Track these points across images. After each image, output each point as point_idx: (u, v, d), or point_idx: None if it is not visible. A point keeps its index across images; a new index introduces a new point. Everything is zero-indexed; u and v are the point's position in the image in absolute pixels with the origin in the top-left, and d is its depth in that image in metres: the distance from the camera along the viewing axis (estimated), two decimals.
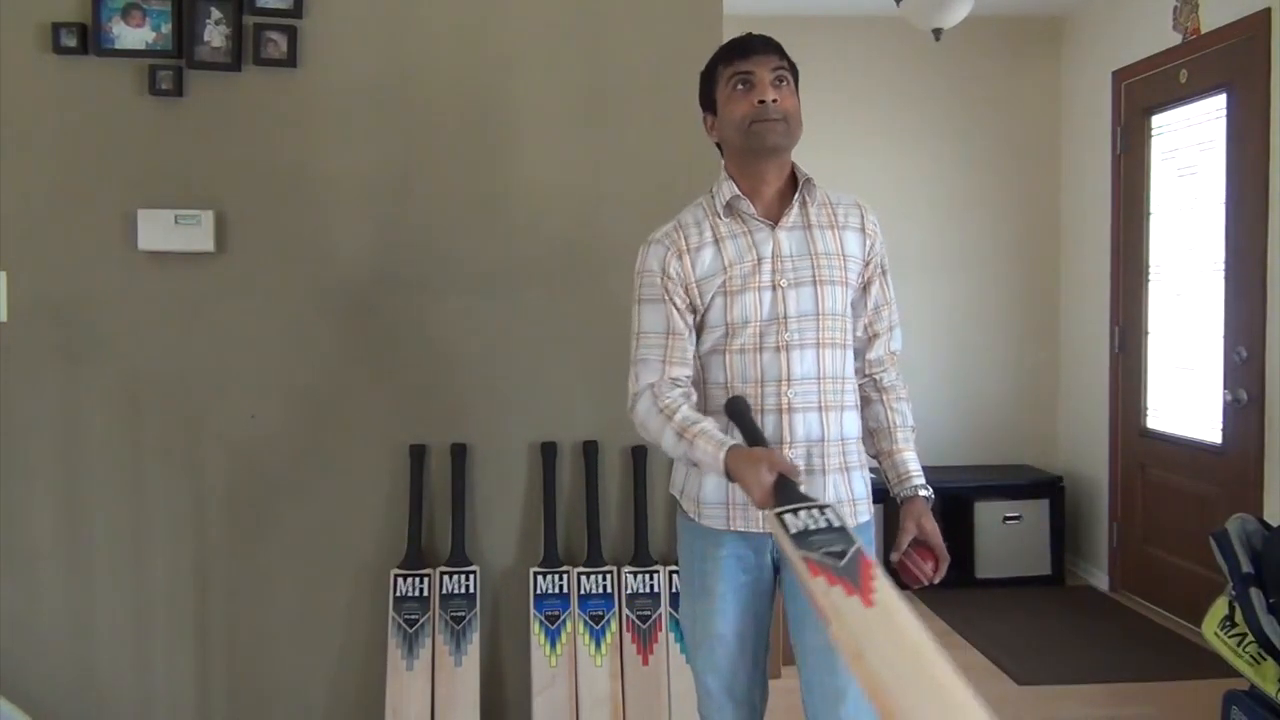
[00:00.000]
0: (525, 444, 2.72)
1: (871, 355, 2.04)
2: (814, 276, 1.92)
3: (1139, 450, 4.60)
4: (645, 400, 1.91)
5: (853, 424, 1.97)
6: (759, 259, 1.91)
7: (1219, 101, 4.06)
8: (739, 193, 1.94)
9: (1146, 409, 4.56)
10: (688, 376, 1.94)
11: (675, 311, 1.92)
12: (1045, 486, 4.91)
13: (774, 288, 1.91)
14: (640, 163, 2.71)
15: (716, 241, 1.93)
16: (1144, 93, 4.53)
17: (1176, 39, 4.25)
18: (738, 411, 1.86)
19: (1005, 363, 5.22)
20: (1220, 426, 4.03)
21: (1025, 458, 5.22)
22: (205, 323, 2.66)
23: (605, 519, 2.72)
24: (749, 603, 1.96)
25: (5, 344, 2.61)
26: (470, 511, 2.71)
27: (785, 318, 1.90)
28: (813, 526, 1.56)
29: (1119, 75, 4.68)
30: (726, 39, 2.65)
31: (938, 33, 4.09)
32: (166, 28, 2.58)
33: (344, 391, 2.69)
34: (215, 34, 2.59)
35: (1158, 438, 4.48)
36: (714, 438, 1.81)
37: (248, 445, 2.68)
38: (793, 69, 1.96)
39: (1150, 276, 4.54)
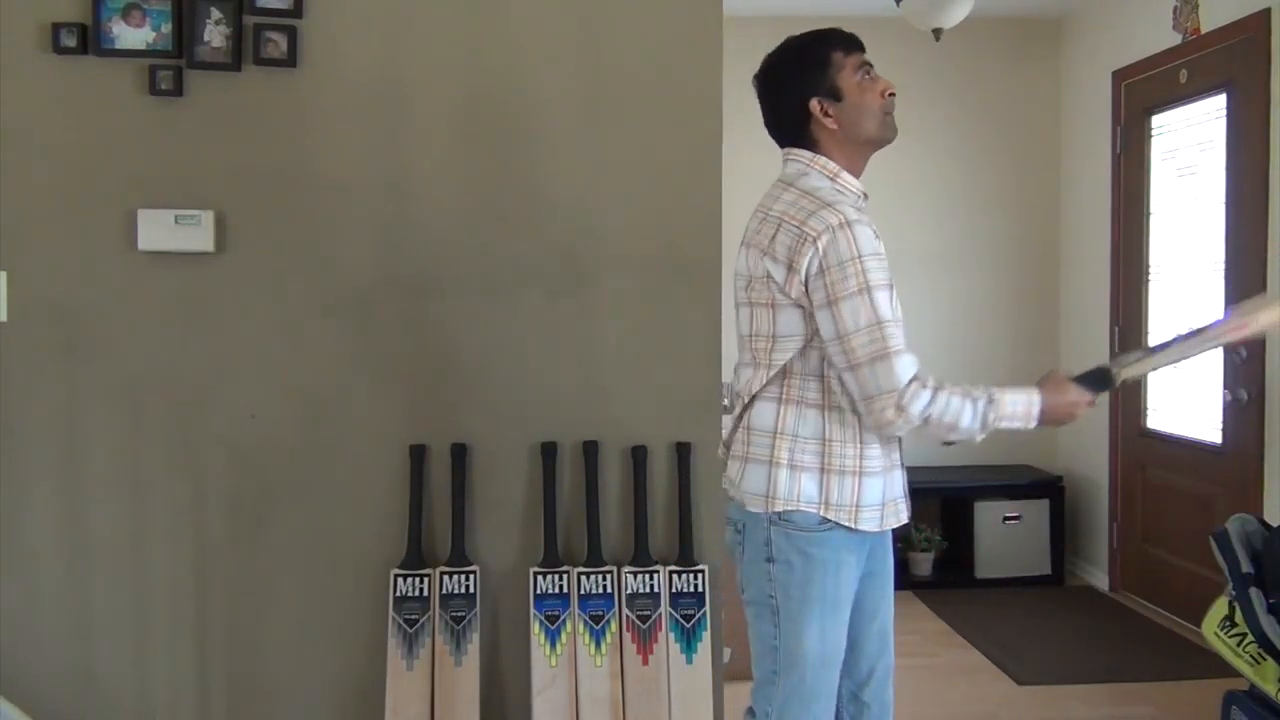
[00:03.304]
0: (525, 444, 2.72)
1: None
2: None
3: (1139, 450, 4.60)
4: (923, 393, 1.80)
5: None
6: None
7: (1219, 101, 4.06)
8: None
9: (1146, 409, 4.56)
10: None
11: (897, 298, 1.87)
12: (1045, 486, 4.92)
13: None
14: (640, 163, 2.70)
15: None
16: (1144, 93, 4.53)
17: (1176, 39, 4.25)
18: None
19: (1005, 362, 5.22)
20: (1220, 426, 4.03)
21: (1025, 458, 5.23)
22: (205, 323, 2.66)
23: (605, 519, 2.72)
24: None
25: (5, 344, 2.61)
26: (470, 511, 2.71)
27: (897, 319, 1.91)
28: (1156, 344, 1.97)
29: (1119, 75, 4.68)
30: (727, 39, 2.68)
31: (938, 33, 4.09)
32: (166, 28, 2.58)
33: (344, 391, 2.69)
34: (215, 34, 2.58)
35: (1158, 437, 4.48)
36: (1016, 389, 1.84)
37: (248, 445, 2.67)
38: None
39: (1150, 276, 4.55)
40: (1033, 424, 1.83)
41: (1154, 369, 1.98)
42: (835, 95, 1.91)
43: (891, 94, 1.93)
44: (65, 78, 2.59)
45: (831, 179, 1.92)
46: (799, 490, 1.88)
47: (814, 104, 1.92)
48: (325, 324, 2.68)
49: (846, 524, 1.88)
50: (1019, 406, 1.81)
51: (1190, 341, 1.94)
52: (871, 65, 1.95)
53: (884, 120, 1.93)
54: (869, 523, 1.90)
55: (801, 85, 1.93)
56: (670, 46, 2.70)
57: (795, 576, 1.89)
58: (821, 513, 1.87)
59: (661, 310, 2.71)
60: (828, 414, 1.88)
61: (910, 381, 1.79)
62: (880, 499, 1.92)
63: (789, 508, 1.88)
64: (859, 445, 1.88)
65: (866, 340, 1.78)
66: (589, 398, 2.71)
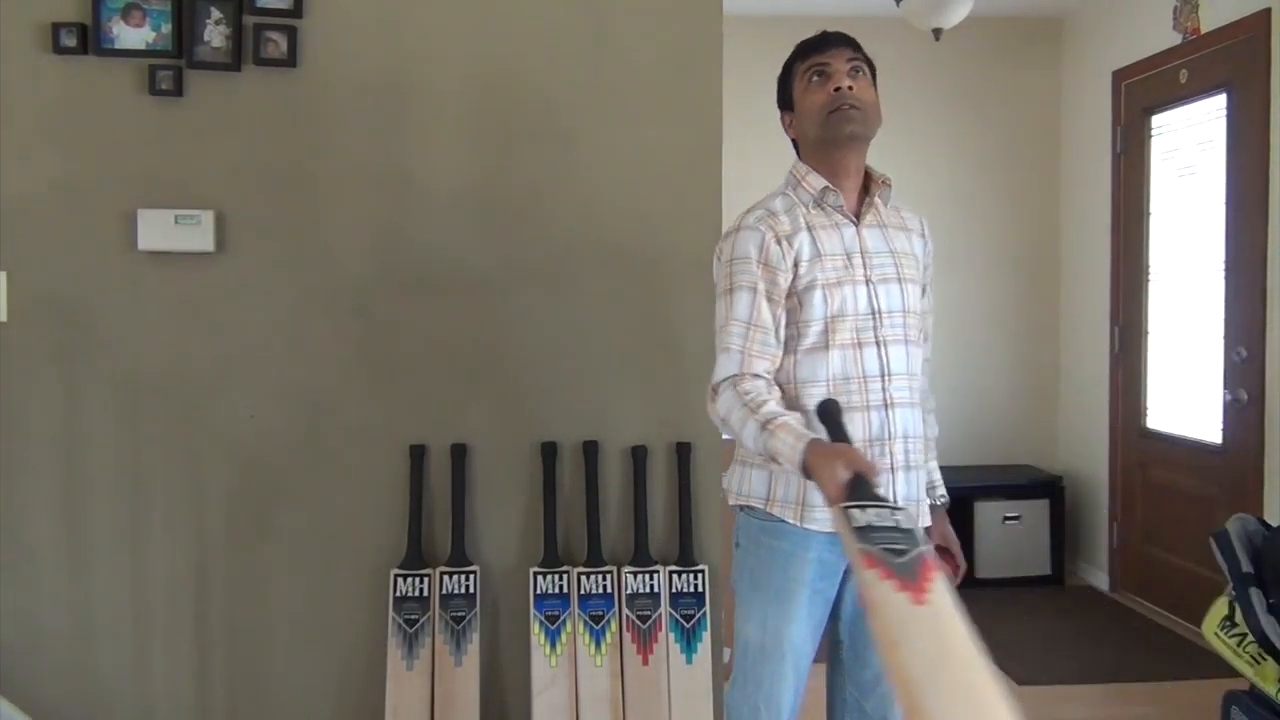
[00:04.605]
0: (525, 444, 2.72)
1: None
2: (898, 274, 1.97)
3: (1139, 450, 4.60)
4: (727, 394, 1.85)
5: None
6: (848, 252, 1.93)
7: (1219, 101, 4.06)
8: (830, 184, 1.94)
9: (1146, 409, 4.56)
10: (769, 370, 1.89)
11: (765, 302, 1.87)
12: (1045, 486, 4.92)
13: (867, 282, 1.92)
14: (640, 162, 2.70)
15: (810, 229, 1.92)
16: (1144, 93, 4.53)
17: (1176, 39, 4.25)
18: (829, 414, 1.81)
19: (1005, 363, 5.22)
20: (1220, 426, 4.03)
21: (1025, 458, 5.23)
22: (205, 323, 2.66)
23: (605, 519, 2.72)
24: (820, 612, 1.97)
25: (5, 344, 2.61)
26: (470, 511, 2.71)
27: (880, 313, 1.93)
28: (878, 524, 1.54)
29: (1119, 75, 4.68)
30: (727, 39, 2.68)
31: (938, 33, 4.09)
32: (166, 28, 2.58)
33: (344, 391, 2.69)
34: (215, 34, 2.58)
35: (1158, 437, 4.48)
36: (796, 431, 1.75)
37: (248, 445, 2.67)
38: (869, 64, 1.98)
39: (1150, 276, 4.55)
40: (794, 469, 1.74)
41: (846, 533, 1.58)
42: (790, 105, 2.01)
43: (837, 89, 1.89)
44: (65, 78, 2.59)
45: (799, 180, 1.98)
46: (749, 486, 1.97)
47: (783, 117, 2.04)
48: (325, 324, 2.68)
49: (792, 521, 1.91)
50: (785, 447, 1.74)
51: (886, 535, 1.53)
52: (826, 64, 1.92)
53: (824, 120, 1.90)
54: (817, 522, 1.90)
55: (779, 100, 2.05)
56: (670, 46, 2.69)
57: (748, 562, 1.99)
58: (767, 508, 1.94)
59: (662, 310, 2.71)
60: None
61: (727, 383, 1.86)
62: None
63: (740, 502, 1.99)
64: None
65: (718, 338, 1.91)
66: (589, 398, 2.71)
